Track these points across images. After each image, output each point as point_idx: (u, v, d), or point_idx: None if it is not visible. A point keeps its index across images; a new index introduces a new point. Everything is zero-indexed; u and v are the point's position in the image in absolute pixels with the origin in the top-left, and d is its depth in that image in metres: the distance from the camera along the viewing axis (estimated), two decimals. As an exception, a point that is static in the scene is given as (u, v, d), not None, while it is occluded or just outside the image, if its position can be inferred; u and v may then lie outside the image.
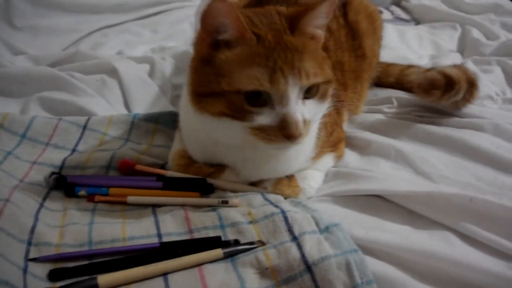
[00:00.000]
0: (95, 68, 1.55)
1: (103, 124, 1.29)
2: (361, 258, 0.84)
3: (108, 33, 2.02)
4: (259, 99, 0.92)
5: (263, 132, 0.93)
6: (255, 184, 1.13)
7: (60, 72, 1.46)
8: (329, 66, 1.01)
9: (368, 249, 0.90)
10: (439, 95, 1.30)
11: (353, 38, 1.44)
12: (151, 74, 1.60)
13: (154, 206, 1.04)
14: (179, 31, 1.99)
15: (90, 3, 2.05)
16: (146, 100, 1.49)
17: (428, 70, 1.54)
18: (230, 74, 0.92)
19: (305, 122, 0.93)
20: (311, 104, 0.96)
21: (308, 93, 0.95)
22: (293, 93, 0.91)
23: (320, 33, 0.99)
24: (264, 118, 0.93)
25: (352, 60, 1.41)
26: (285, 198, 1.08)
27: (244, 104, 0.92)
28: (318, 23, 0.97)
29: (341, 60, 1.35)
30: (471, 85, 1.34)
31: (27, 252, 0.87)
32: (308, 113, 0.95)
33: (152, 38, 2.05)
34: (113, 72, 1.52)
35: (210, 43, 0.95)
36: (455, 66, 1.41)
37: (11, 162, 1.12)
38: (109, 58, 1.60)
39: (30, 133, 1.22)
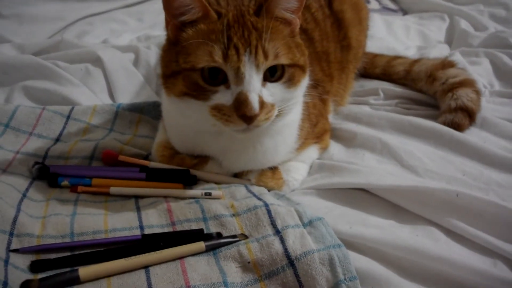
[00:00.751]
0: (79, 57, 1.53)
1: (87, 114, 1.28)
2: (345, 253, 0.83)
3: (93, 21, 1.99)
4: (215, 78, 0.92)
5: (220, 112, 0.93)
6: (239, 176, 1.13)
7: (44, 61, 1.44)
8: (302, 54, 1.00)
9: (352, 244, 0.90)
10: None
11: (339, 28, 1.44)
12: (135, 63, 1.59)
13: (137, 197, 1.04)
14: (164, 20, 1.94)
15: (77, -10, 2.03)
16: (130, 89, 1.48)
17: (415, 61, 1.54)
18: (187, 51, 0.93)
19: (265, 104, 0.92)
20: (275, 87, 0.95)
21: (272, 76, 0.94)
22: (249, 71, 0.91)
23: (292, 17, 0.98)
24: (220, 97, 0.93)
25: (338, 50, 1.41)
26: (269, 190, 1.08)
27: (200, 81, 0.93)
28: (287, 6, 0.96)
29: (327, 50, 1.35)
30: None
31: (9, 243, 0.86)
32: (269, 96, 0.94)
33: (138, 26, 2.04)
34: (97, 61, 1.50)
35: (177, 25, 0.96)
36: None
37: (-7, 152, 1.11)
38: (94, 47, 1.58)
39: (14, 123, 1.21)
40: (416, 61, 1.56)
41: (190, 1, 0.92)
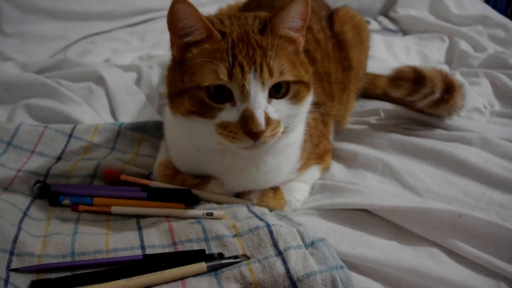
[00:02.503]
0: (82, 75, 1.54)
1: (89, 133, 1.28)
2: (347, 275, 0.83)
3: (95, 40, 2.01)
4: (221, 95, 0.93)
5: (226, 129, 0.93)
6: (240, 196, 1.13)
7: (47, 80, 1.45)
8: (307, 71, 1.01)
9: (354, 265, 0.90)
10: (407, 88, 1.31)
11: (340, 49, 1.44)
12: (138, 82, 1.59)
13: (138, 217, 1.04)
14: (167, 40, 1.89)
15: (78, 10, 2.04)
16: (133, 108, 1.48)
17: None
18: (193, 70, 0.94)
19: (271, 120, 0.93)
20: (280, 104, 0.96)
21: (278, 93, 0.95)
22: (254, 88, 0.91)
23: (296, 36, 0.99)
24: (226, 114, 0.94)
25: (339, 71, 1.41)
26: (271, 211, 1.08)
27: (206, 99, 0.94)
28: (291, 24, 0.97)
29: (328, 71, 1.35)
30: (450, 87, 1.35)
31: (9, 262, 0.86)
32: (275, 112, 0.95)
33: (140, 46, 2.05)
34: (100, 80, 1.51)
35: (182, 45, 0.97)
36: (433, 68, 1.42)
37: (-5, 170, 1.11)
38: (96, 66, 1.58)
39: (16, 141, 1.21)
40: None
41: (194, 23, 0.93)
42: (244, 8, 1.57)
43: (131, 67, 1.66)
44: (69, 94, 1.42)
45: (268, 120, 0.92)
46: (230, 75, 0.91)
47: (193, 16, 0.92)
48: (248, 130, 0.90)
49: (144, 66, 1.64)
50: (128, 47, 2.02)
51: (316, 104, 1.21)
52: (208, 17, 0.98)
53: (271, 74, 0.92)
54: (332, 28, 1.45)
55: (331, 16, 1.48)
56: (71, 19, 2.02)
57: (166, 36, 0.99)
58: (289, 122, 0.98)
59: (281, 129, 0.96)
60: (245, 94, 0.91)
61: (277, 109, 0.95)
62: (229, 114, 0.93)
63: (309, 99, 1.03)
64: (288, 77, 0.95)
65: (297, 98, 0.97)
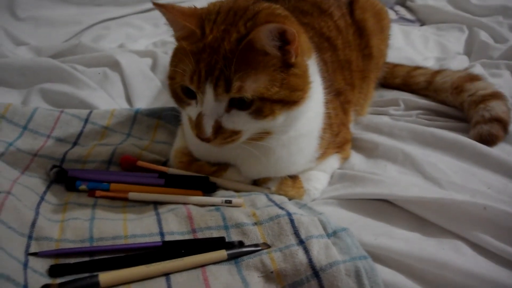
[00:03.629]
0: (97, 60, 1.53)
1: (105, 118, 1.26)
2: (371, 265, 0.81)
3: (109, 25, 1.99)
4: (189, 92, 0.94)
5: (191, 122, 0.97)
6: (259, 185, 1.11)
7: (62, 64, 1.44)
8: (288, 88, 0.93)
9: (377, 256, 0.88)
10: None
11: (360, 37, 1.42)
12: (153, 68, 1.58)
13: (156, 203, 1.02)
14: None
15: (92, -5, 2.03)
16: (148, 94, 1.47)
17: (437, 72, 1.52)
18: (174, 62, 0.96)
19: (222, 129, 0.93)
20: (239, 116, 0.92)
21: (240, 103, 0.91)
22: (208, 98, 0.91)
23: (275, 52, 0.91)
24: (190, 110, 0.96)
25: (360, 59, 1.39)
26: (289, 199, 1.06)
27: (179, 91, 0.96)
28: (274, 43, 0.90)
29: (349, 59, 1.33)
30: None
31: (28, 246, 0.85)
32: (231, 122, 0.93)
33: (154, 32, 2.03)
34: (115, 66, 1.50)
35: (175, 36, 0.98)
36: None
37: (12, 154, 1.10)
38: (112, 51, 1.57)
39: (32, 125, 1.20)
40: (438, 72, 1.54)
41: (178, 21, 0.93)
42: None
43: (146, 53, 1.65)
44: (84, 79, 1.41)
45: (218, 129, 0.92)
46: (191, 81, 0.91)
47: (174, 15, 0.92)
48: (195, 133, 0.94)
49: (159, 52, 1.63)
50: (142, 33, 2.01)
51: (337, 93, 1.19)
52: (199, 13, 0.95)
53: (227, 89, 0.89)
54: (352, 16, 1.43)
55: (352, 3, 1.46)
56: (85, 4, 2.00)
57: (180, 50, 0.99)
58: (258, 131, 0.96)
59: (241, 137, 0.95)
60: (200, 100, 0.92)
61: (235, 120, 0.93)
62: (192, 111, 0.95)
63: (285, 115, 0.95)
64: (248, 93, 0.89)
65: (260, 114, 0.92)
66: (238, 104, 0.91)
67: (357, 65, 1.36)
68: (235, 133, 0.94)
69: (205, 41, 0.90)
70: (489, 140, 1.24)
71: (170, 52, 1.59)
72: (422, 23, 2.51)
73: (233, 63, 0.88)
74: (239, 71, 0.88)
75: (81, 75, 1.42)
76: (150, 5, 2.13)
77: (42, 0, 1.90)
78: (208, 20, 0.93)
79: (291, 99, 0.93)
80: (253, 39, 0.87)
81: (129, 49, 1.72)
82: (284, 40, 0.89)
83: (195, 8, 0.98)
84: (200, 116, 0.92)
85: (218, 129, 0.92)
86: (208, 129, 0.91)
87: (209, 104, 0.91)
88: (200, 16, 0.94)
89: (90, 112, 1.27)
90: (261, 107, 0.91)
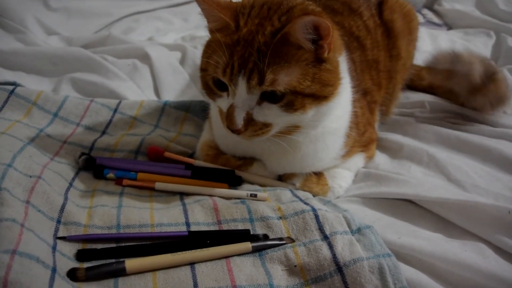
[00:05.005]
0: (127, 52, 1.55)
1: (134, 109, 1.28)
2: (395, 263, 0.82)
3: (139, 18, 2.02)
4: (221, 84, 0.95)
5: (221, 114, 0.97)
6: (284, 180, 1.12)
7: (93, 54, 1.46)
8: (319, 82, 0.93)
9: (400, 255, 0.88)
10: (445, 67, 1.33)
11: (388, 38, 1.42)
12: (182, 62, 1.60)
13: (182, 194, 1.04)
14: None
15: (123, -12, 2.05)
16: (176, 87, 1.49)
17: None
18: (207, 54, 0.97)
19: (253, 122, 0.94)
20: (270, 109, 0.93)
21: (272, 96, 0.92)
22: (240, 91, 0.92)
23: (311, 47, 0.92)
24: (221, 102, 0.97)
25: (387, 60, 1.39)
26: (313, 196, 1.07)
27: (210, 83, 0.97)
28: (307, 36, 0.90)
29: (377, 59, 1.33)
30: (491, 74, 1.32)
31: (56, 230, 0.87)
32: (262, 115, 0.94)
33: (183, 26, 2.05)
34: (145, 58, 1.52)
35: (209, 28, 0.98)
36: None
37: (42, 140, 1.12)
38: (142, 44, 1.60)
39: (62, 113, 1.22)
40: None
41: (212, 12, 0.93)
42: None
43: (176, 46, 1.67)
44: (114, 70, 1.43)
45: (249, 121, 0.93)
46: (224, 73, 0.92)
47: (211, 6, 0.92)
48: (226, 125, 0.94)
49: (189, 46, 1.65)
50: (171, 27, 2.02)
51: (364, 92, 1.20)
52: (234, 6, 0.96)
53: (260, 82, 0.90)
54: (381, 16, 1.42)
55: (381, 4, 1.46)
56: (116, -4, 2.03)
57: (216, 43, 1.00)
58: (289, 125, 0.97)
59: (272, 130, 0.96)
60: (232, 93, 0.93)
61: (266, 113, 0.94)
62: (223, 103, 0.96)
63: (319, 109, 0.97)
64: (281, 87, 0.90)
65: (290, 108, 0.93)
66: (269, 97, 0.92)
67: (384, 66, 1.36)
68: (266, 126, 0.95)
69: (239, 34, 0.91)
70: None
71: (199, 47, 1.64)
72: (449, 27, 2.49)
73: (267, 56, 0.88)
74: (273, 64, 0.89)
75: (111, 66, 1.44)
76: (179, 0, 2.15)
77: (75, -10, 1.92)
78: (242, 14, 0.94)
79: (322, 93, 0.94)
80: (288, 32, 0.88)
81: (158, 42, 1.73)
82: (318, 34, 0.90)
83: (230, 1, 0.99)
84: (231, 108, 0.93)
85: (249, 121, 0.94)
86: (240, 121, 0.92)
87: (241, 96, 0.92)
88: (235, 9, 0.95)
89: (119, 102, 1.28)
90: (292, 100, 0.92)
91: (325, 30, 0.89)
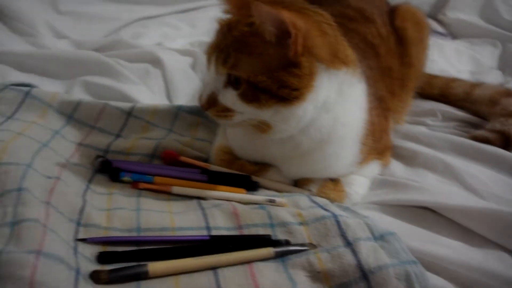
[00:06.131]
0: (138, 56, 1.55)
1: (147, 113, 1.27)
2: (421, 270, 0.80)
3: (147, 24, 2.01)
4: None
5: None
6: (300, 186, 1.12)
7: (106, 58, 1.46)
8: (274, 80, 0.94)
9: (424, 262, 0.86)
10: None
11: (400, 45, 1.42)
12: (193, 67, 1.60)
13: (199, 199, 1.03)
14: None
15: (130, -7, 2.06)
16: (188, 92, 1.49)
17: (476, 85, 1.52)
18: None
19: (217, 102, 0.99)
20: (230, 93, 0.98)
21: (236, 83, 0.96)
22: (211, 69, 0.99)
23: (272, 40, 0.93)
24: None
25: (400, 67, 1.39)
26: (330, 202, 1.06)
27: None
28: (269, 30, 0.92)
29: (391, 66, 1.33)
30: None
31: (76, 232, 0.86)
32: (223, 98, 0.99)
33: (191, 32, 2.04)
34: (157, 62, 1.52)
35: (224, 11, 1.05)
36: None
37: (58, 142, 1.11)
38: (154, 48, 1.60)
39: (77, 115, 1.21)
40: (477, 85, 1.55)
41: None
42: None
43: (187, 52, 1.67)
44: (127, 73, 1.43)
45: (213, 100, 0.99)
46: (207, 51, 1.01)
47: None
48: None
49: (200, 52, 1.64)
50: (179, 33, 2.02)
51: (379, 99, 1.20)
52: None
53: (223, 62, 0.95)
54: (393, 24, 1.43)
55: (392, 11, 1.47)
56: (124, 2, 2.04)
57: (216, 24, 1.03)
58: (255, 119, 0.99)
59: (234, 116, 0.99)
60: (207, 70, 1.02)
61: (228, 97, 0.98)
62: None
63: (274, 109, 0.97)
64: (240, 73, 0.95)
65: (245, 98, 0.96)
66: (233, 83, 0.96)
67: (397, 73, 1.37)
68: (228, 110, 0.99)
69: (231, 19, 0.98)
70: (478, 140, 1.30)
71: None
72: (454, 36, 2.50)
73: (236, 41, 0.94)
74: (238, 50, 0.94)
75: (124, 69, 1.44)
76: (187, 6, 2.17)
77: (83, -5, 1.93)
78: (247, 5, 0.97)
79: (279, 94, 0.95)
80: (256, 23, 0.92)
81: (168, 48, 1.73)
82: (283, 31, 0.90)
83: None
84: (203, 85, 0.98)
85: (213, 101, 0.99)
86: (203, 96, 1.00)
87: (211, 75, 0.99)
88: (247, 2, 0.96)
89: (133, 106, 1.28)
90: (247, 90, 0.96)
91: (292, 29, 0.89)
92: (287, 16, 0.88)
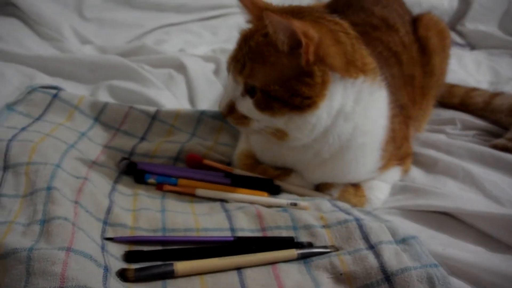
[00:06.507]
0: (162, 62, 1.57)
1: (171, 117, 1.29)
2: (443, 274, 0.80)
3: (170, 31, 2.04)
4: None
5: None
6: (321, 191, 1.13)
7: (130, 63, 1.49)
8: (286, 88, 0.95)
9: (446, 266, 0.86)
10: None
11: (423, 54, 1.43)
12: (216, 73, 1.62)
13: (222, 201, 1.05)
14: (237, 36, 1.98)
15: (154, 1, 2.08)
16: (210, 98, 1.51)
17: (496, 94, 1.53)
18: None
19: (235, 110, 1.02)
20: (247, 102, 1.00)
21: (252, 92, 0.99)
22: (230, 78, 1.02)
23: (286, 50, 0.94)
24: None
25: (422, 76, 1.40)
26: (351, 207, 1.07)
27: None
28: (282, 39, 0.93)
29: (413, 74, 1.34)
30: None
31: (103, 231, 0.88)
32: (241, 106, 1.01)
33: (212, 40, 2.07)
34: (180, 68, 1.54)
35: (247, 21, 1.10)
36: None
37: (84, 143, 1.13)
38: (177, 54, 1.62)
39: (103, 118, 1.24)
40: (496, 94, 1.55)
41: (244, 9, 1.06)
42: (330, 6, 1.57)
43: (210, 58, 1.70)
44: (151, 78, 1.45)
45: (232, 108, 1.02)
46: (228, 59, 1.04)
47: (243, 2, 1.04)
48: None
49: (222, 58, 1.66)
50: (201, 40, 2.04)
51: (401, 107, 1.21)
52: (265, 8, 1.03)
53: (239, 72, 0.98)
54: (416, 33, 1.44)
55: (415, 21, 1.48)
56: (148, 9, 2.05)
57: (237, 32, 1.05)
58: (272, 126, 1.00)
59: (252, 124, 1.02)
60: (228, 78, 1.04)
61: (245, 105, 1.01)
62: None
63: (287, 117, 0.98)
64: (256, 82, 0.97)
65: (259, 106, 0.98)
66: (250, 92, 0.99)
67: (419, 81, 1.37)
68: (245, 118, 1.02)
69: (250, 29, 1.01)
70: (497, 148, 1.31)
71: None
72: (473, 47, 2.50)
73: (252, 52, 0.97)
74: (253, 60, 0.96)
75: (148, 74, 1.46)
76: (209, 13, 2.18)
77: (108, 2, 1.96)
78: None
79: (290, 102, 0.96)
80: (269, 33, 0.94)
81: (191, 54, 1.76)
82: (295, 41, 0.91)
83: (268, 4, 1.07)
84: (224, 92, 1.04)
85: (232, 108, 1.02)
86: (223, 103, 1.03)
87: (230, 83, 1.02)
88: (263, 8, 1.01)
89: (158, 110, 1.30)
90: (261, 99, 0.97)
91: (303, 38, 0.90)
92: (297, 25, 0.90)
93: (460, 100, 1.60)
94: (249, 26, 1.05)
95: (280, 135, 1.01)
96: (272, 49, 0.95)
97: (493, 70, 2.13)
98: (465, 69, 2.11)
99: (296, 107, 0.96)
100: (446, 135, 1.45)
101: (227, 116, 1.03)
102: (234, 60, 1.00)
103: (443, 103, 1.63)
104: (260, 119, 1.00)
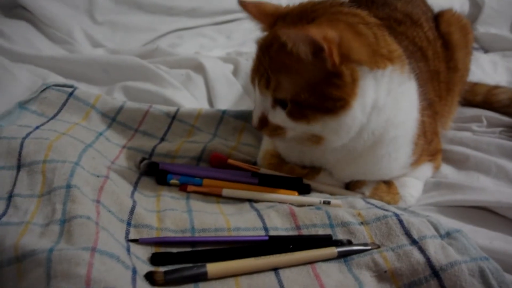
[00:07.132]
0: (179, 63, 1.54)
1: (192, 117, 1.25)
2: (496, 266, 0.76)
3: (183, 35, 2.00)
4: None
5: None
6: (352, 189, 1.09)
7: (147, 63, 1.45)
8: (316, 94, 0.91)
9: (494, 260, 0.82)
10: None
11: (446, 49, 1.40)
12: (234, 73, 1.58)
13: (251, 201, 1.00)
14: (252, 39, 1.94)
15: (167, 5, 2.04)
16: (229, 98, 1.47)
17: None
18: None
19: (269, 122, 0.98)
20: (279, 113, 0.96)
21: (282, 103, 0.95)
22: (258, 93, 0.98)
23: (309, 58, 0.89)
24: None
25: (446, 71, 1.37)
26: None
27: None
28: (302, 49, 0.88)
29: (438, 70, 1.31)
30: None
31: (127, 232, 0.83)
32: (273, 118, 0.97)
33: (226, 43, 2.03)
34: (199, 68, 1.50)
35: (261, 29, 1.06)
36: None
37: (102, 143, 1.09)
38: (195, 55, 1.59)
39: (120, 117, 1.20)
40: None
41: (253, 19, 1.03)
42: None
43: (228, 59, 1.66)
44: (169, 79, 1.42)
45: (264, 121, 0.98)
46: (251, 73, 1.00)
47: (251, 12, 1.01)
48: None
49: (241, 59, 1.64)
50: (215, 43, 2.01)
51: (428, 101, 1.17)
52: (277, 12, 1.01)
53: (266, 87, 0.94)
54: (438, 29, 1.41)
55: (437, 17, 1.45)
56: (160, 13, 2.01)
57: (252, 35, 1.03)
58: (308, 133, 0.97)
59: (287, 133, 0.98)
60: (255, 93, 1.00)
61: (277, 117, 0.97)
62: None
63: (322, 122, 0.94)
64: (284, 95, 0.93)
65: (293, 116, 0.94)
66: (281, 103, 0.95)
67: (444, 77, 1.34)
68: (280, 128, 0.97)
69: (267, 38, 0.96)
70: None
71: (250, 60, 1.62)
72: (486, 50, 2.47)
73: (273, 63, 0.93)
74: (277, 72, 0.92)
75: (165, 75, 1.42)
76: (223, 18, 2.14)
77: (120, 6, 1.93)
78: (280, 20, 0.98)
79: (323, 107, 0.92)
80: (286, 44, 0.88)
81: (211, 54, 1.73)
82: (316, 46, 0.86)
83: (277, 7, 1.03)
84: (254, 106, 1.00)
85: (265, 121, 0.98)
86: (255, 118, 0.99)
87: (257, 97, 0.98)
88: (277, 16, 0.99)
89: (178, 110, 1.26)
90: (293, 109, 0.94)
91: (323, 43, 0.85)
92: (315, 32, 0.85)
93: (483, 98, 1.56)
94: (264, 34, 1.01)
95: (317, 139, 0.97)
96: (294, 58, 0.89)
97: (509, 70, 2.09)
98: (482, 70, 2.07)
99: (330, 110, 0.92)
100: (472, 132, 1.41)
101: (261, 130, 1.00)
102: (258, 74, 0.96)
103: (466, 102, 1.58)
104: (296, 128, 0.96)
